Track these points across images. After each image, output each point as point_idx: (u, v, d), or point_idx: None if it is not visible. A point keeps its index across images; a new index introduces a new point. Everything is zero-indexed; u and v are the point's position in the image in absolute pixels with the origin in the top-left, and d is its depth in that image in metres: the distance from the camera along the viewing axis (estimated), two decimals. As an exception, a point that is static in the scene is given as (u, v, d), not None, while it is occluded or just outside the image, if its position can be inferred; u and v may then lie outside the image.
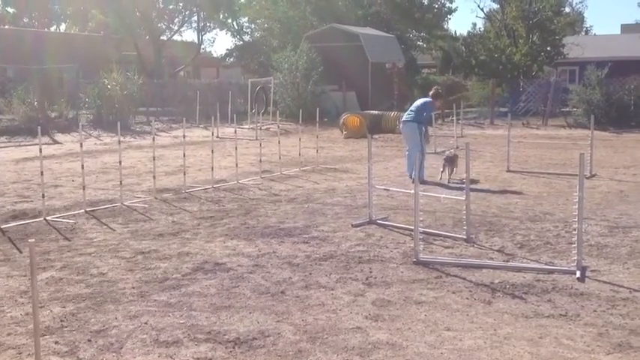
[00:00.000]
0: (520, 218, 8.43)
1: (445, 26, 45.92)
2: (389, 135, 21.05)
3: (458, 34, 43.76)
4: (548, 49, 34.87)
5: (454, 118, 21.13)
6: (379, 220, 8.25)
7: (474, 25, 66.23)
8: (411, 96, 30.60)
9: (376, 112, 23.80)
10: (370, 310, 5.12)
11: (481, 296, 5.41)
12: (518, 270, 6.13)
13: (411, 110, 12.03)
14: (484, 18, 42.80)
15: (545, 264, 6.36)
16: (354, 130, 20.99)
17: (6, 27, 48.42)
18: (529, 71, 33.61)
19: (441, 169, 11.80)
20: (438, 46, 42.37)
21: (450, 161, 11.78)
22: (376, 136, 19.26)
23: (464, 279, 5.87)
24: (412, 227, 6.84)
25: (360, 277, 5.99)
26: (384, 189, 9.44)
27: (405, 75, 32.90)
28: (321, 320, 4.91)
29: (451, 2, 42.85)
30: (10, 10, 58.23)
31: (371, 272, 6.12)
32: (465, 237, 7.26)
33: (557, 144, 18.32)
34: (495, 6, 39.77)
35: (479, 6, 66.98)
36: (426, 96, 12.43)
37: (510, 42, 34.91)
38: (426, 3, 42.11)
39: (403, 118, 12.14)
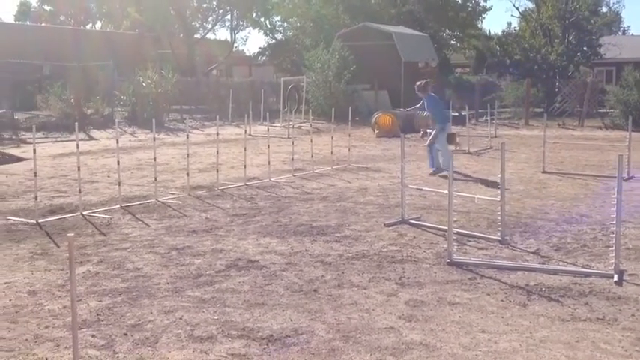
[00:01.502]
0: (556, 220, 8.31)
1: (479, 25, 45.48)
2: (421, 134, 20.90)
3: (492, 33, 43.34)
4: (585, 49, 34.36)
5: (488, 118, 20.93)
6: (412, 219, 8.21)
7: (509, 24, 65.64)
8: (444, 95, 30.43)
9: (409, 111, 23.63)
10: (403, 310, 5.10)
11: (516, 298, 5.35)
12: (555, 272, 6.05)
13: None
14: (519, 17, 42.32)
15: (582, 267, 6.26)
16: (386, 129, 20.91)
17: (43, 24, 49.26)
18: (565, 71, 33.15)
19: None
20: (471, 46, 42.02)
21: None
22: (408, 136, 19.14)
23: (499, 280, 5.81)
24: (445, 227, 6.80)
25: (393, 276, 5.97)
26: (417, 189, 9.38)
27: (438, 74, 32.67)
28: (354, 319, 4.90)
29: (485, 1, 42.88)
30: (48, 8, 59.23)
31: (404, 272, 6.10)
32: (499, 238, 7.19)
33: (593, 145, 18.03)
34: (531, 5, 39.32)
35: (514, 5, 66.49)
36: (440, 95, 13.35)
37: (546, 41, 34.46)
38: (460, 2, 41.77)
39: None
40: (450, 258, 6.39)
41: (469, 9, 42.27)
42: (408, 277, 5.93)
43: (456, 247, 6.69)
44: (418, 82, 12.81)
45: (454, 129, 18.19)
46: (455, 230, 6.76)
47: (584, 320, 4.87)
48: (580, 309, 5.10)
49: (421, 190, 9.52)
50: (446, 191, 6.92)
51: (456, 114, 24.89)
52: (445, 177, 11.07)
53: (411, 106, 24.80)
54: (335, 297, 5.40)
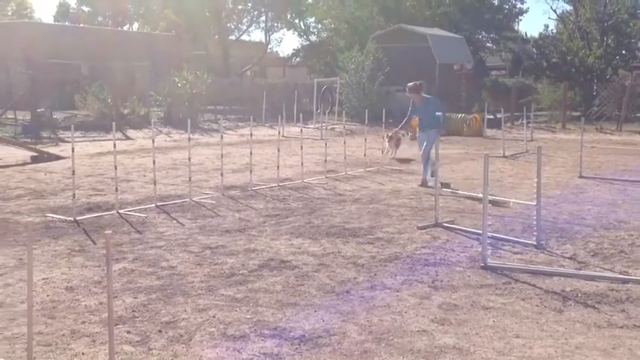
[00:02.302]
0: (593, 226, 8.18)
1: (515, 27, 45.03)
2: (455, 137, 20.79)
3: (529, 35, 42.80)
4: (624, 52, 33.76)
5: (524, 121, 20.69)
6: (445, 222, 8.15)
7: (546, 26, 64.86)
8: (479, 98, 30.17)
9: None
10: (436, 313, 5.07)
11: (552, 304, 5.28)
12: (591, 279, 5.95)
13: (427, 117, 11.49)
14: (556, 19, 41.80)
15: (620, 273, 6.15)
16: (419, 131, 20.77)
17: (82, 25, 50.08)
18: (603, 75, 32.60)
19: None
20: (507, 48, 41.59)
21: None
22: (442, 138, 19.03)
23: (534, 286, 5.74)
24: (480, 231, 6.74)
25: (425, 279, 5.93)
26: (451, 191, 9.32)
27: (473, 77, 32.41)
28: (387, 321, 4.88)
29: (522, 3, 42.13)
30: (86, 8, 60.22)
31: (437, 275, 6.06)
32: (535, 243, 7.10)
33: (632, 150, 17.70)
34: (568, 7, 38.83)
35: (551, 7, 65.55)
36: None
37: (584, 44, 33.94)
38: (496, 4, 41.43)
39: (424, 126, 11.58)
40: (484, 262, 6.33)
41: (505, 11, 41.89)
42: (441, 281, 5.89)
43: (490, 251, 6.63)
44: (410, 84, 11.57)
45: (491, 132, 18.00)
46: (489, 234, 6.70)
47: (621, 327, 4.79)
48: (617, 316, 5.01)
49: (455, 193, 9.44)
50: (480, 195, 6.86)
51: (492, 117, 24.68)
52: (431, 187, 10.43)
53: (446, 108, 24.53)
54: (367, 299, 5.39)
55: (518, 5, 42.29)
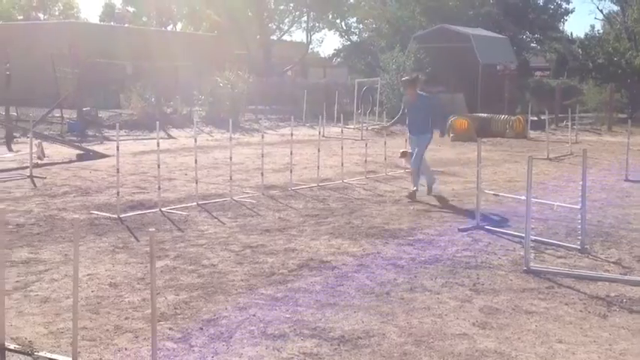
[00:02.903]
0: (639, 230, 7.99)
1: (561, 28, 44.30)
2: (498, 139, 20.54)
3: (574, 36, 42.11)
4: (673, 53, 32.90)
5: (569, 123, 20.33)
6: (487, 225, 8.06)
7: (592, 27, 63.51)
8: (523, 99, 29.75)
9: (485, 114, 23.28)
10: (478, 317, 5.02)
11: (596, 309, 5.18)
12: (637, 284, 5.82)
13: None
14: (603, 20, 41.00)
15: (667, 280, 6.00)
16: (461, 132, 20.60)
17: (127, 25, 50.93)
18: (651, 76, 31.81)
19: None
20: (552, 49, 40.98)
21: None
22: (485, 140, 18.82)
23: (577, 290, 5.64)
24: (522, 234, 6.65)
25: (466, 282, 5.88)
26: (493, 194, 9.21)
27: (517, 77, 31.97)
28: (427, 324, 4.85)
29: (568, 3, 41.33)
30: (131, 9, 61.25)
31: (478, 278, 5.99)
32: (579, 247, 6.97)
33: (680, 153, 17.22)
34: (615, 8, 38.04)
35: (597, 7, 64.30)
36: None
37: (631, 45, 33.19)
38: (541, 4, 40.80)
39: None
40: (526, 266, 6.24)
41: (551, 11, 41.21)
42: (483, 284, 5.83)
43: (533, 254, 6.53)
44: (406, 77, 10.62)
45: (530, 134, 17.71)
46: (532, 237, 6.60)
47: (669, 335, 4.67)
48: (664, 323, 4.89)
49: (497, 195, 9.33)
50: (523, 197, 6.77)
51: (535, 118, 24.32)
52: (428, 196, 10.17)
53: (489, 109, 23.97)
54: (407, 301, 5.37)
55: (564, 5, 41.60)
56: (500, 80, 29.46)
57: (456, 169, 13.88)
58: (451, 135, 20.81)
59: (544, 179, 12.12)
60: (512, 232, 7.72)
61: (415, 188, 10.17)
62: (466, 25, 34.27)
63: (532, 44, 42.75)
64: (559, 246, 7.17)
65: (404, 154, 12.76)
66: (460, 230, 7.89)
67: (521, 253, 6.57)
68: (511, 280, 5.97)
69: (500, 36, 33.08)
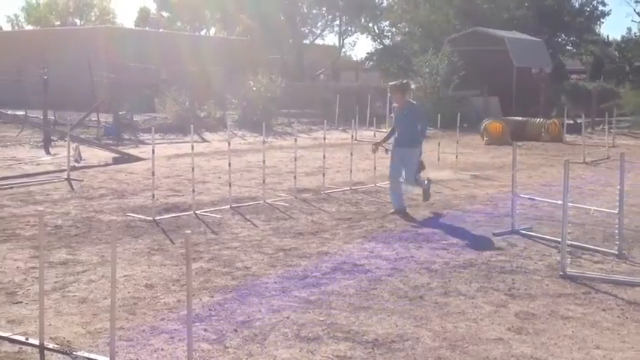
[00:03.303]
0: (679, 236, 7.84)
1: (597, 30, 43.61)
2: (533, 142, 20.31)
3: (611, 38, 41.46)
4: None
5: (605, 126, 20.01)
6: (523, 230, 7.97)
7: (629, 29, 62.45)
8: (558, 103, 29.38)
9: (520, 118, 23.03)
10: (513, 322, 4.97)
11: (634, 315, 5.09)
12: (677, 291, 5.70)
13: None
14: (640, 22, 40.24)
15: None
16: (495, 136, 20.42)
17: (161, 30, 51.58)
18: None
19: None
20: (588, 51, 40.40)
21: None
22: (519, 143, 18.63)
23: (615, 296, 5.55)
24: (559, 239, 6.57)
25: (502, 287, 5.82)
26: (529, 198, 9.10)
27: (552, 81, 31.59)
28: (461, 328, 4.82)
29: (604, 5, 40.68)
30: (165, 14, 62.01)
31: (514, 283, 5.93)
32: (616, 252, 6.86)
33: None
34: (654, 9, 37.31)
35: (635, 10, 63.03)
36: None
37: (670, 47, 32.57)
38: (576, 6, 40.28)
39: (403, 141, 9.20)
40: (563, 271, 6.16)
41: (586, 13, 40.63)
42: (518, 289, 5.77)
43: (569, 259, 6.44)
44: (393, 82, 9.56)
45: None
46: (569, 242, 6.51)
47: None
48: None
49: (533, 199, 9.22)
50: (560, 202, 6.68)
51: (571, 122, 23.99)
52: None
53: (524, 112, 23.65)
54: (441, 305, 5.34)
55: (600, 8, 40.97)
56: (535, 83, 29.16)
57: (490, 172, 13.76)
58: (485, 139, 20.66)
59: (580, 183, 11.94)
60: (548, 237, 7.63)
61: (401, 206, 9.14)
62: (500, 28, 33.96)
63: (568, 47, 42.19)
64: (596, 251, 7.06)
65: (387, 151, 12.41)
66: (495, 234, 7.82)
67: (558, 258, 6.49)
68: (547, 285, 5.90)
69: (535, 39, 32.71)
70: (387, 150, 9.49)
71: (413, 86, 9.99)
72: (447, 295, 5.58)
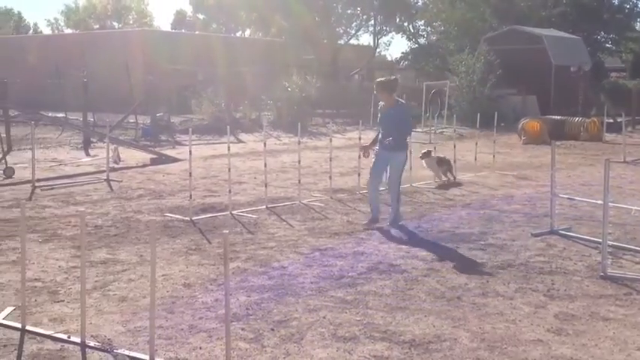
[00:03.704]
0: None
1: (637, 27, 42.69)
2: (572, 142, 19.99)
3: (652, 35, 40.55)
4: None
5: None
6: (562, 230, 7.85)
7: (671, 25, 60.96)
8: (598, 101, 28.88)
9: (558, 117, 22.69)
10: (552, 323, 4.90)
11: (678, 318, 4.98)
12: None
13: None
14: (683, 18, 39.34)
15: None
16: (533, 135, 20.15)
17: (197, 32, 52.08)
18: None
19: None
20: (628, 49, 39.58)
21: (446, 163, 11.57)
22: (558, 143, 18.36)
23: (658, 298, 5.44)
24: (599, 239, 6.46)
25: (540, 288, 5.75)
26: (568, 198, 8.96)
27: (592, 79, 31.05)
28: (500, 329, 4.77)
29: (645, 1, 39.83)
30: (201, 16, 62.60)
31: (553, 284, 5.85)
32: (659, 253, 6.72)
33: None
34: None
35: (677, 5, 61.53)
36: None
37: None
38: (616, 3, 39.50)
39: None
40: (603, 271, 6.06)
41: (626, 10, 39.83)
42: (558, 290, 5.69)
43: (610, 260, 6.33)
44: (379, 79, 8.54)
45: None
46: (609, 243, 6.40)
47: None
48: None
49: (572, 199, 9.08)
50: (600, 201, 6.57)
51: (611, 121, 23.55)
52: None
53: (562, 111, 23.28)
54: (479, 306, 5.29)
55: (640, 4, 40.18)
56: (573, 82, 28.66)
57: (528, 172, 13.59)
58: (523, 138, 20.40)
59: (621, 183, 11.71)
60: (588, 237, 7.50)
61: (376, 215, 8.30)
62: (538, 26, 33.49)
63: (607, 45, 41.39)
64: (637, 252, 6.93)
65: (426, 155, 11.80)
66: (533, 235, 7.72)
67: (598, 259, 6.39)
68: (587, 286, 5.80)
69: (573, 37, 32.19)
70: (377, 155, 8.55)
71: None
72: (485, 296, 5.53)
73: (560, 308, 5.22)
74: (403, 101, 8.68)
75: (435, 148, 12.29)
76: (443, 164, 11.70)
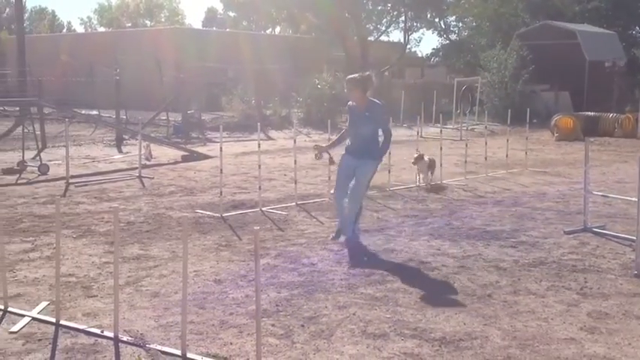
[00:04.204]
0: None
1: (674, 21, 41.81)
2: (606, 138, 19.68)
3: (689, 29, 39.68)
4: None
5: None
6: (595, 228, 7.74)
7: None
8: (632, 97, 28.38)
9: (592, 113, 22.35)
10: (585, 321, 4.84)
11: None
12: None
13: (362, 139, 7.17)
14: None
15: None
16: (566, 132, 19.89)
17: (227, 30, 52.36)
18: None
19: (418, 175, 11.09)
20: (664, 43, 38.75)
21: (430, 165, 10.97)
22: (592, 139, 18.09)
23: (695, 297, 5.33)
24: (633, 237, 6.35)
25: (573, 286, 5.68)
26: (602, 195, 8.84)
27: (626, 74, 30.50)
28: (532, 328, 4.73)
29: (683, -6, 38.95)
30: (232, 14, 62.96)
31: (586, 282, 5.78)
32: (696, 252, 6.58)
33: None
34: None
35: None
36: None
37: None
38: (652, -4, 38.69)
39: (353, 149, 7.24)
40: (637, 270, 5.96)
41: (663, 3, 39.02)
42: (591, 288, 5.61)
43: (645, 258, 6.22)
44: (352, 76, 7.25)
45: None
46: (644, 241, 6.29)
47: None
48: None
49: (606, 197, 8.95)
50: (634, 199, 6.46)
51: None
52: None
53: (596, 107, 22.89)
54: (510, 303, 5.25)
55: (678, -3, 39.28)
56: (608, 77, 28.20)
57: (561, 169, 13.42)
58: (555, 134, 20.15)
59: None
60: (622, 235, 7.39)
61: (346, 227, 7.18)
62: (571, 21, 33.02)
63: (643, 39, 40.64)
64: (674, 250, 6.80)
65: (418, 159, 10.90)
66: (566, 233, 7.63)
67: (632, 257, 6.29)
68: (621, 284, 5.72)
69: (607, 32, 31.66)
70: (331, 160, 7.78)
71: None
72: (517, 294, 5.48)
73: (593, 307, 5.15)
74: (378, 101, 7.28)
75: (417, 150, 11.85)
76: (432, 166, 11.26)
